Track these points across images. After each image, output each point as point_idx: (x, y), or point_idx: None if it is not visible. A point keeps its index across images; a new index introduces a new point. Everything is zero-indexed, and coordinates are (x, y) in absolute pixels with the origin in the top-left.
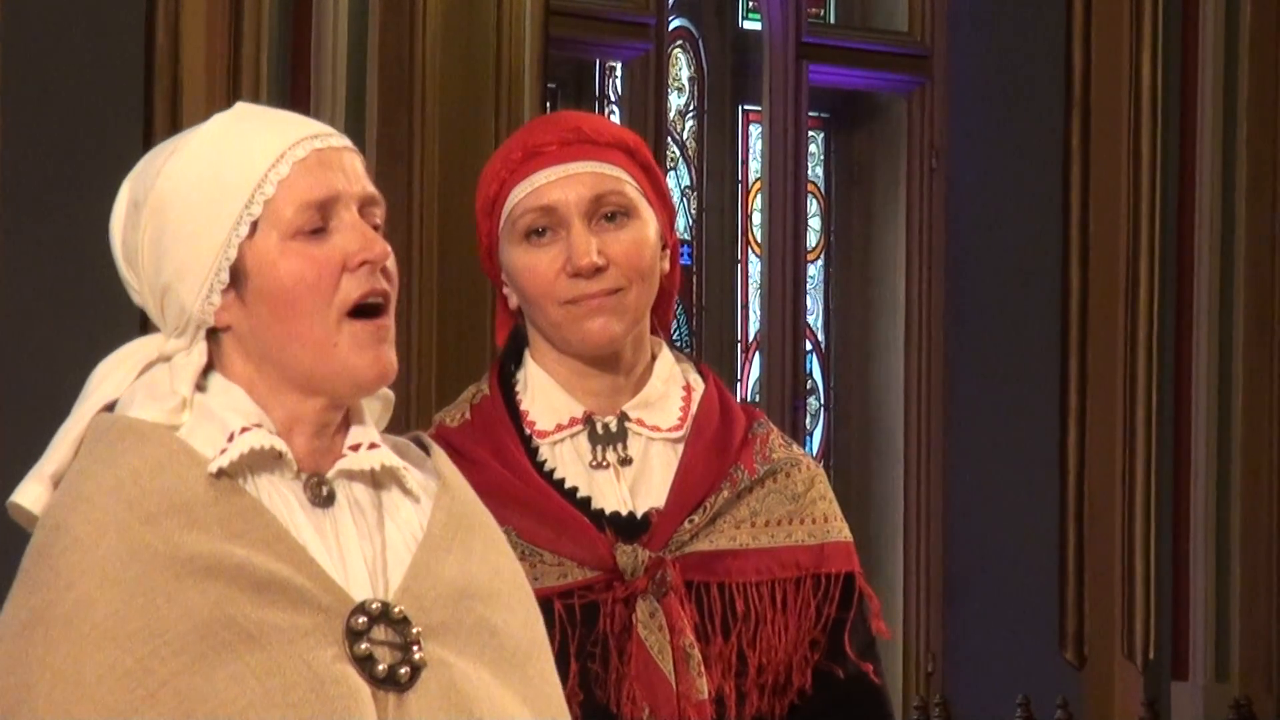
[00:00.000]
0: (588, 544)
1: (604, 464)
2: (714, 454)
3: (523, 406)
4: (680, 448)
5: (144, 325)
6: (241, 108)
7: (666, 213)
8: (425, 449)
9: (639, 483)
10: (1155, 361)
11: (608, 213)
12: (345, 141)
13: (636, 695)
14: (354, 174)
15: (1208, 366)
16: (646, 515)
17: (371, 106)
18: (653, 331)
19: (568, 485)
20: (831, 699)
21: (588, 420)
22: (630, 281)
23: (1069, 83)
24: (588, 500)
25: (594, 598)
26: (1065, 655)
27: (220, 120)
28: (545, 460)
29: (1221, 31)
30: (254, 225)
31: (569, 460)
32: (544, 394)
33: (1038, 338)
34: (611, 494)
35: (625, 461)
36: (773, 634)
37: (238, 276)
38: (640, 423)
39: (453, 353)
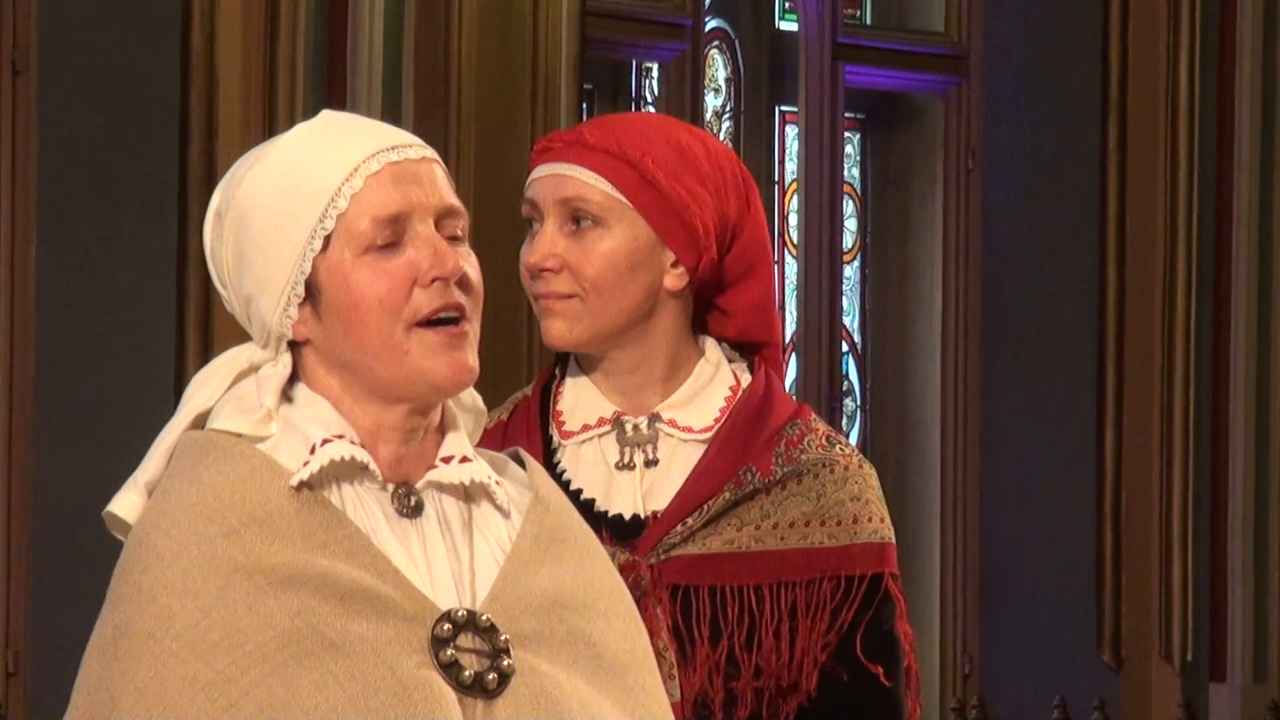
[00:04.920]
0: None
1: (630, 465)
2: (732, 455)
3: (558, 406)
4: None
5: (179, 325)
6: (326, 116)
7: (685, 229)
8: (522, 464)
9: (657, 485)
10: (1193, 361)
11: (575, 217)
12: (426, 152)
13: None
14: (431, 185)
15: (1245, 366)
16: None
17: (407, 109)
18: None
19: (573, 487)
20: (833, 702)
21: (617, 421)
22: (584, 290)
23: (1105, 83)
24: (591, 503)
25: None
26: (1102, 656)
27: (301, 130)
28: (560, 462)
29: (1260, 31)
30: (327, 239)
31: (589, 462)
32: (577, 393)
33: (1074, 339)
34: (627, 496)
35: (651, 463)
36: (771, 637)
37: (312, 290)
38: (672, 424)
39: (488, 357)
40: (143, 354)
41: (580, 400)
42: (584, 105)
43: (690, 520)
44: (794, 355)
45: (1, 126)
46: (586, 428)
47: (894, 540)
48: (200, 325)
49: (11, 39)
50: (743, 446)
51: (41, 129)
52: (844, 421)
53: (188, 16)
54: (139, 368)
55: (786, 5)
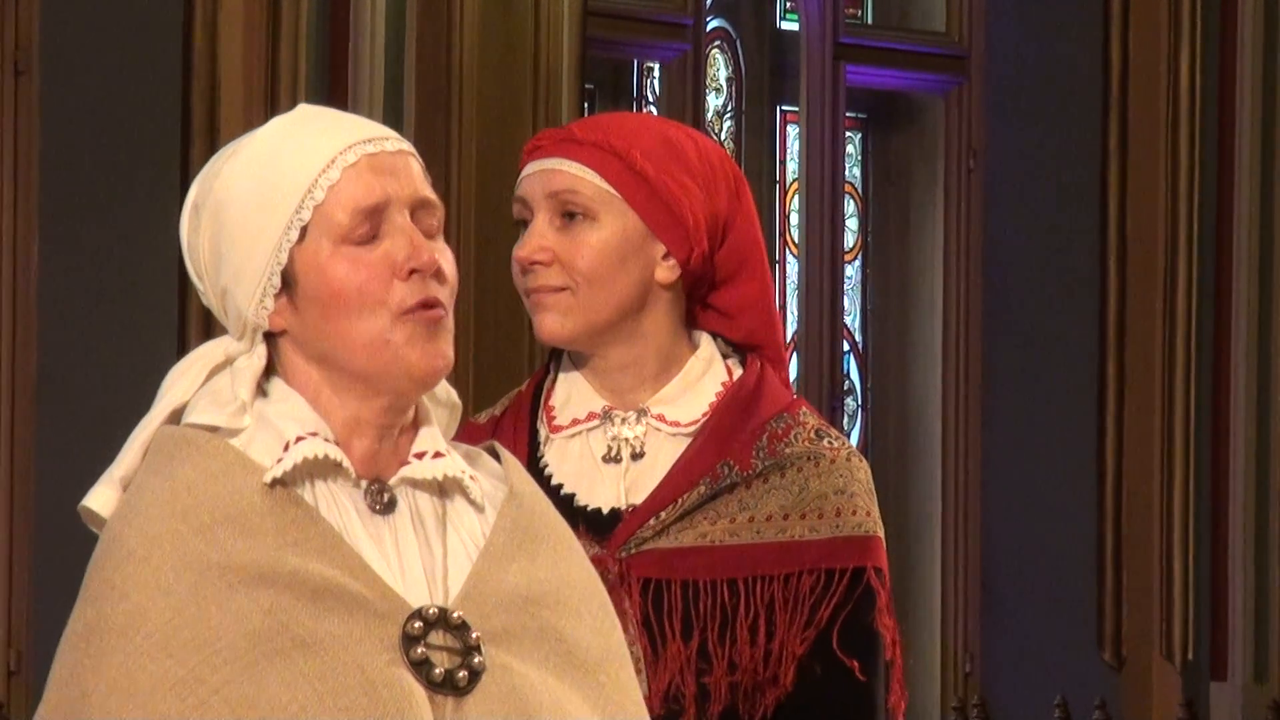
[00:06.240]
0: None
1: (617, 458)
2: (714, 449)
3: (550, 401)
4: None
5: (181, 325)
6: (302, 110)
7: (675, 220)
8: (498, 457)
9: (641, 479)
10: (1194, 361)
11: (566, 211)
12: (403, 145)
13: None
14: (408, 178)
15: (1246, 366)
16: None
17: (409, 109)
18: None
19: (554, 481)
20: (807, 697)
21: (605, 415)
22: (576, 283)
23: (1107, 83)
24: (571, 498)
25: None
26: (1103, 656)
27: (278, 123)
28: (543, 456)
29: (1261, 30)
30: (304, 230)
31: (575, 457)
32: (569, 389)
33: (1075, 338)
34: (610, 490)
35: (638, 456)
36: (746, 631)
37: (289, 281)
38: (661, 418)
39: (489, 359)
40: (144, 354)
41: (572, 395)
42: (585, 105)
43: (664, 514)
44: (795, 355)
45: (4, 126)
46: (576, 422)
47: (880, 534)
48: (202, 325)
49: (14, 39)
50: (725, 440)
51: (44, 129)
52: (845, 421)
53: (190, 16)
54: (141, 368)
55: (788, 5)
